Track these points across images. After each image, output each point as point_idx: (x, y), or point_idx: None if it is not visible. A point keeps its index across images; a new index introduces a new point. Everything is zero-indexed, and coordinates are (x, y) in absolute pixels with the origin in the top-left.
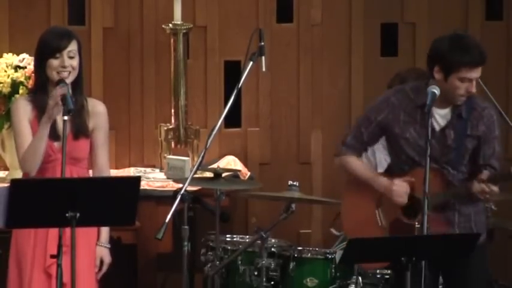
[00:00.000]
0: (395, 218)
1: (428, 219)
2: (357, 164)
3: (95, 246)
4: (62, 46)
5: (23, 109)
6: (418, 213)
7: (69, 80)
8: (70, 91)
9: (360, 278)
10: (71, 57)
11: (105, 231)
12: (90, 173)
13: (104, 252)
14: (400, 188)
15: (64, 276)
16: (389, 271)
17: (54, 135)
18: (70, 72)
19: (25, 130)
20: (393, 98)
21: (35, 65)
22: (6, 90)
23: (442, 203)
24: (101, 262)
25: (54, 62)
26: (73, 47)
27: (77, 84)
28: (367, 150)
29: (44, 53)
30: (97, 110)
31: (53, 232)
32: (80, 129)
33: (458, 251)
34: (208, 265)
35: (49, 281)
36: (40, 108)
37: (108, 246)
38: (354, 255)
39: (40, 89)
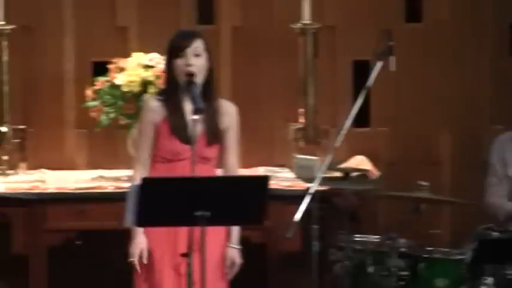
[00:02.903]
0: None
1: None
2: None
3: (224, 245)
4: (185, 45)
5: (151, 112)
6: None
7: (197, 80)
8: (199, 90)
9: (491, 279)
10: (197, 56)
11: (235, 232)
12: (218, 171)
13: (234, 253)
14: None
15: (194, 275)
16: None
17: (186, 138)
18: (197, 72)
19: (148, 133)
20: None
21: (165, 67)
22: (135, 89)
23: None
24: (232, 263)
25: (179, 62)
26: (198, 45)
27: (207, 85)
28: None
29: (170, 54)
30: (229, 111)
31: (183, 231)
32: (214, 136)
33: None
34: (337, 265)
35: (179, 280)
36: (170, 109)
37: (239, 247)
38: (484, 256)
39: (170, 90)
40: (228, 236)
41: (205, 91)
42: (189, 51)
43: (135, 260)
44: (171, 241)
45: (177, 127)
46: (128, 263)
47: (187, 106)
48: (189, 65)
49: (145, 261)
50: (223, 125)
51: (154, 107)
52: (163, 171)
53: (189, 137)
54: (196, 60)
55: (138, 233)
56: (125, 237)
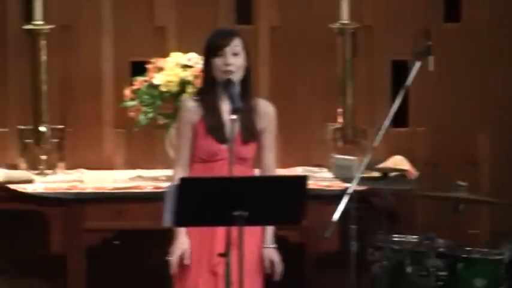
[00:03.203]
0: None
1: None
2: None
3: (260, 246)
4: (223, 44)
5: (188, 112)
6: None
7: (235, 78)
8: (237, 89)
9: None
10: (235, 55)
11: (269, 231)
12: (255, 171)
13: (271, 253)
14: None
15: (231, 275)
16: None
17: (222, 137)
18: (235, 70)
19: (185, 135)
20: None
21: (203, 66)
22: (174, 89)
23: None
24: (272, 263)
25: (218, 61)
26: (236, 44)
27: (245, 84)
28: None
29: (209, 53)
30: (266, 111)
31: (220, 231)
32: (250, 134)
33: None
34: (376, 265)
35: (215, 280)
36: (206, 108)
37: (274, 246)
38: None
39: (207, 90)
40: (263, 235)
41: (242, 90)
42: (228, 50)
43: (173, 259)
44: (208, 242)
45: (213, 127)
46: (165, 263)
47: (224, 105)
48: (228, 64)
49: (187, 262)
50: (260, 125)
51: (191, 107)
52: (201, 171)
53: (225, 137)
54: (235, 60)
55: (181, 234)
56: (163, 237)
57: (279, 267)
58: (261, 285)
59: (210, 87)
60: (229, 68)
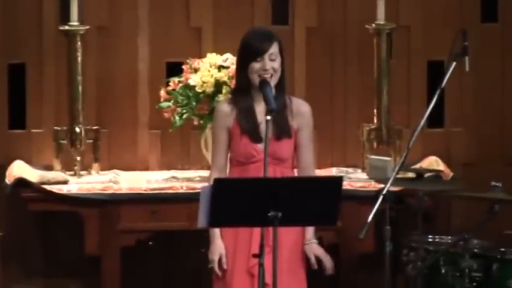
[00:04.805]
0: None
1: None
2: None
3: (301, 244)
4: (263, 49)
5: (223, 117)
6: None
7: (272, 83)
8: (273, 91)
9: None
10: (272, 60)
11: (310, 228)
12: (295, 172)
13: (314, 248)
14: None
15: (266, 277)
16: None
17: (257, 137)
18: (272, 74)
19: (220, 138)
20: None
21: (237, 67)
22: (209, 90)
23: None
24: (316, 257)
25: (256, 65)
26: (274, 49)
27: (279, 84)
28: None
29: (246, 56)
30: (301, 110)
31: (257, 232)
32: (283, 130)
33: None
34: (410, 266)
35: (251, 281)
36: (241, 110)
37: (315, 241)
38: None
39: (241, 91)
40: (303, 234)
41: (276, 91)
42: (266, 56)
43: (215, 265)
44: (245, 243)
45: (248, 128)
46: (200, 263)
47: (259, 106)
48: (265, 70)
49: (225, 266)
50: (295, 123)
51: (225, 111)
52: (238, 174)
53: (260, 136)
54: (272, 64)
55: (216, 238)
56: (197, 238)
57: (327, 259)
58: (304, 283)
59: (245, 89)
60: (267, 73)
